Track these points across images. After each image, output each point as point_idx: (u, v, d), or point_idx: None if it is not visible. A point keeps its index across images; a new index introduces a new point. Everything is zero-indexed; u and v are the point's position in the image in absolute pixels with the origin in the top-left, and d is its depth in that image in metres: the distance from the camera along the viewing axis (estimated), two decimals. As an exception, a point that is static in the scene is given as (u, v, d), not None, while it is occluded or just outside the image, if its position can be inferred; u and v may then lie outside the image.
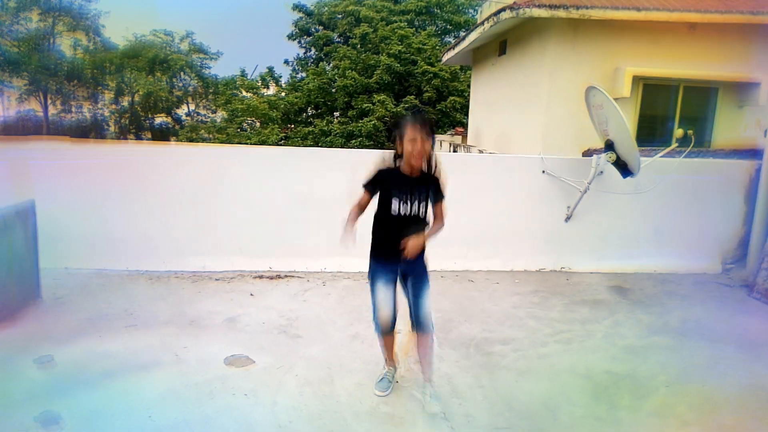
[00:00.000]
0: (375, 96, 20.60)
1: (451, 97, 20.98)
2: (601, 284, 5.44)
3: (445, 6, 25.99)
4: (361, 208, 2.93)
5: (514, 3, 8.59)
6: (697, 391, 3.37)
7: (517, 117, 10.02)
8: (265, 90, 24.37)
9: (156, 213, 5.28)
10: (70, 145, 5.38)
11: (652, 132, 8.80)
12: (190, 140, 19.91)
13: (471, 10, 25.93)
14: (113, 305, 4.37)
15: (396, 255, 2.79)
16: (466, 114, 16.62)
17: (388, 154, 2.93)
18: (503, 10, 8.77)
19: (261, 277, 5.24)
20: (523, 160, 5.82)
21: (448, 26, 26.40)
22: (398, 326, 3.07)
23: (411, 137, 2.74)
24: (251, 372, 3.37)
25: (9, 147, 5.26)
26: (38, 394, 3.02)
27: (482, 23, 10.29)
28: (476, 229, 5.62)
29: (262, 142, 18.39)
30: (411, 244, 2.75)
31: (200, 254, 5.34)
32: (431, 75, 21.29)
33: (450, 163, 5.76)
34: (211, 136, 20.78)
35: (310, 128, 20.80)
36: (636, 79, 8.41)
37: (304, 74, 25.48)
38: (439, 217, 2.93)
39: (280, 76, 25.56)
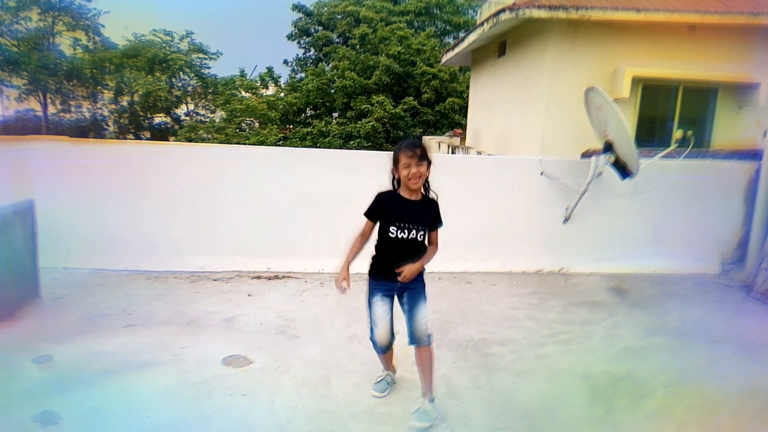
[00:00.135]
0: (374, 97, 20.60)
1: (450, 99, 20.99)
2: (599, 285, 5.44)
3: (444, 7, 26.02)
4: (365, 237, 2.97)
5: (514, 4, 8.61)
6: (696, 392, 3.37)
7: (516, 118, 10.03)
8: (264, 90, 24.34)
9: (155, 213, 5.28)
10: (70, 145, 5.37)
11: (651, 133, 8.82)
12: (189, 140, 19.88)
13: (471, 11, 25.95)
14: (112, 305, 4.37)
15: (393, 276, 2.85)
16: (465, 115, 16.63)
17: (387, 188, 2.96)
18: (503, 11, 8.78)
19: (259, 277, 5.24)
20: (522, 162, 5.82)
21: (447, 27, 26.43)
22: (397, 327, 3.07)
23: (405, 164, 2.78)
24: (249, 372, 3.37)
25: (8, 146, 5.26)
26: (37, 394, 3.02)
27: (482, 24, 10.30)
28: (474, 230, 5.62)
29: (261, 143, 18.38)
30: (407, 270, 2.81)
31: (199, 254, 5.34)
32: (430, 76, 21.30)
33: (449, 164, 5.80)
34: (210, 136, 20.74)
35: (309, 129, 20.79)
36: (635, 80, 8.43)
37: (303, 75, 25.48)
38: (434, 243, 2.99)
39: (279, 77, 25.56)
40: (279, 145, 18.90)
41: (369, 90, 21.33)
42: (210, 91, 24.41)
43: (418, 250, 2.88)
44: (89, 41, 23.35)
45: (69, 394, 3.02)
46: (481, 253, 5.71)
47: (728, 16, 8.13)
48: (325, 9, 26.46)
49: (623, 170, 5.34)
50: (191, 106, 24.99)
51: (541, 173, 5.67)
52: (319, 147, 15.92)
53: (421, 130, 21.22)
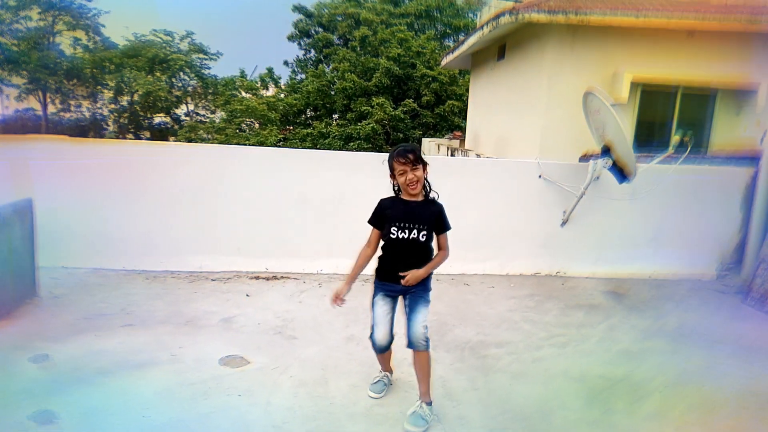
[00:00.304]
0: (374, 99, 20.63)
1: (450, 101, 21.02)
2: (596, 288, 5.46)
3: (444, 9, 26.08)
4: (371, 246, 2.99)
5: (514, 7, 8.63)
6: (692, 396, 3.38)
7: (515, 121, 10.04)
8: (264, 91, 24.36)
9: (155, 213, 5.28)
10: (69, 144, 5.38)
11: (650, 137, 8.83)
12: (189, 140, 19.90)
13: (470, 14, 26.00)
14: (110, 304, 4.37)
15: (396, 278, 2.87)
16: (465, 118, 16.66)
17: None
18: (503, 14, 8.80)
19: (257, 277, 5.25)
20: (520, 165, 5.84)
21: (447, 30, 26.50)
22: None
23: (400, 171, 2.82)
24: (246, 372, 3.38)
25: (8, 145, 5.26)
26: (34, 393, 3.02)
27: (481, 27, 10.32)
28: (473, 232, 5.64)
29: (261, 143, 18.39)
30: (411, 275, 2.82)
31: (198, 254, 5.35)
32: (430, 78, 21.34)
33: (448, 166, 5.82)
34: (209, 136, 20.77)
35: (309, 130, 20.81)
36: (634, 84, 8.45)
37: (303, 76, 25.52)
38: (443, 247, 2.99)
39: (280, 78, 25.59)
40: (279, 146, 18.93)
41: (369, 92, 21.36)
42: (210, 91, 24.44)
43: (420, 251, 2.89)
44: (89, 41, 23.39)
45: (67, 393, 3.02)
46: (479, 255, 5.72)
47: (727, 20, 8.15)
48: (326, 10, 26.52)
49: (621, 174, 5.36)
50: (191, 107, 25.02)
51: (540, 176, 5.68)
52: (319, 148, 15.96)
53: (421, 133, 21.26)
